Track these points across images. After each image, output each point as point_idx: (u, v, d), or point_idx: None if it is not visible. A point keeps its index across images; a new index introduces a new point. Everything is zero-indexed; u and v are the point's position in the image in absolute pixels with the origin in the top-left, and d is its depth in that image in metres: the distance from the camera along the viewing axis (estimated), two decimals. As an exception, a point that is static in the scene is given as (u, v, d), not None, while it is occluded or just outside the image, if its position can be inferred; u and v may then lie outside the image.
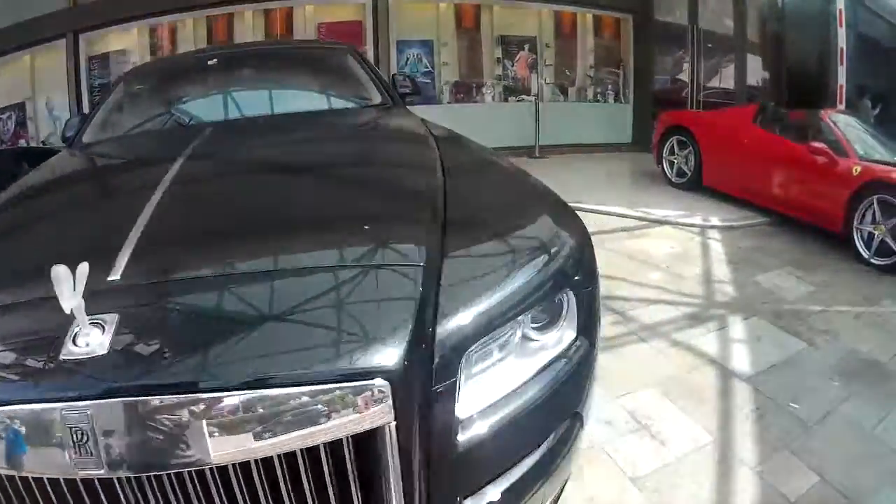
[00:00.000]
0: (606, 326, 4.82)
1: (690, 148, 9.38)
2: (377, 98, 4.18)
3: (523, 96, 12.19)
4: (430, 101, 11.20)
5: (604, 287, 5.38)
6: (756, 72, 12.30)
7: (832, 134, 7.88)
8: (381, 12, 10.48)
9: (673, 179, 9.85)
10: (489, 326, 1.65)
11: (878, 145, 8.02)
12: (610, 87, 13.13)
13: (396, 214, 2.14)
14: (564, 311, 1.93)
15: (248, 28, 11.43)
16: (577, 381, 1.93)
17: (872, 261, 7.07)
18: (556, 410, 1.88)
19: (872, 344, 5.19)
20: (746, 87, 12.01)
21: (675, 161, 9.74)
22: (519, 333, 1.81)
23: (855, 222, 7.27)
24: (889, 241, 6.92)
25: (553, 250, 1.97)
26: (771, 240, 7.69)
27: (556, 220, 2.25)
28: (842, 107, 10.06)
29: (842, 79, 10.11)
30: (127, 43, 11.24)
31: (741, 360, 4.83)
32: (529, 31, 12.41)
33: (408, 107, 4.33)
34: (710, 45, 12.65)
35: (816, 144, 7.74)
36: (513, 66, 12.35)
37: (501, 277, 1.76)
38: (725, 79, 12.49)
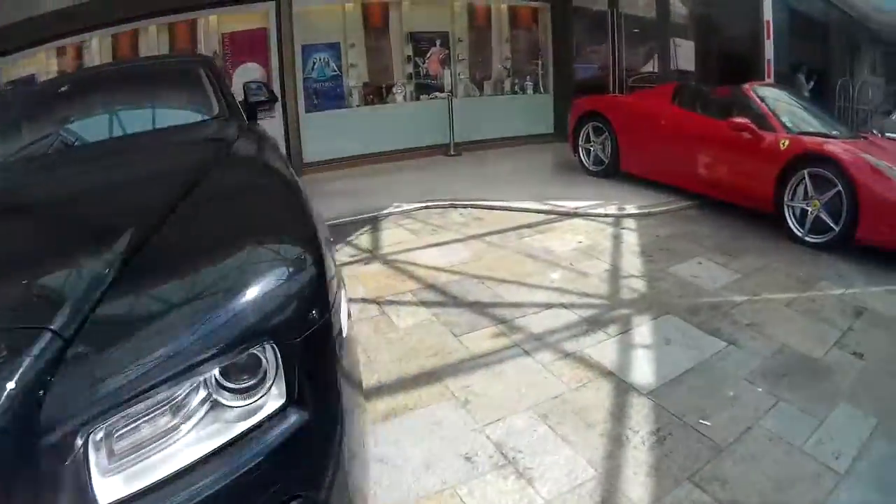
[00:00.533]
0: (485, 340, 4.22)
1: (606, 134, 8.68)
2: (215, 112, 3.90)
3: (436, 94, 11.30)
4: (340, 106, 10.60)
5: (492, 293, 4.88)
6: (686, 54, 11.46)
7: (757, 108, 7.09)
8: (285, 17, 9.58)
9: (590, 168, 9.10)
10: (123, 398, 1.38)
11: (810, 118, 7.28)
12: (529, 78, 12.24)
13: (61, 263, 1.86)
14: (265, 370, 1.56)
15: (154, 43, 10.47)
16: (290, 460, 1.57)
17: (807, 239, 6.27)
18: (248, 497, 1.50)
19: (805, 336, 4.38)
20: (676, 70, 11.45)
21: (592, 148, 9.01)
22: (198, 398, 1.50)
23: (786, 199, 6.47)
24: (824, 216, 6.10)
25: (241, 293, 1.58)
26: (694, 225, 6.94)
27: (266, 255, 1.84)
28: (770, 81, 8.96)
29: (769, 53, 9.12)
30: (37, 66, 10.13)
31: (644, 370, 3.94)
32: (441, 26, 11.54)
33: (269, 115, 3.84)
34: (635, 30, 11.78)
35: (738, 120, 6.93)
36: (424, 63, 11.42)
37: (152, 332, 1.48)
38: (655, 63, 11.66)
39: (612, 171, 8.67)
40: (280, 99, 9.12)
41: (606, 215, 7.07)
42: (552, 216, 7.06)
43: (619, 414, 3.45)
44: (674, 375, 3.81)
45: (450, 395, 3.50)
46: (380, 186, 8.54)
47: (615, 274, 5.44)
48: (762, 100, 7.10)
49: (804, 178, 6.19)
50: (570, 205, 7.30)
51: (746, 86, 7.42)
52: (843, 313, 4.76)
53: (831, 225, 6.01)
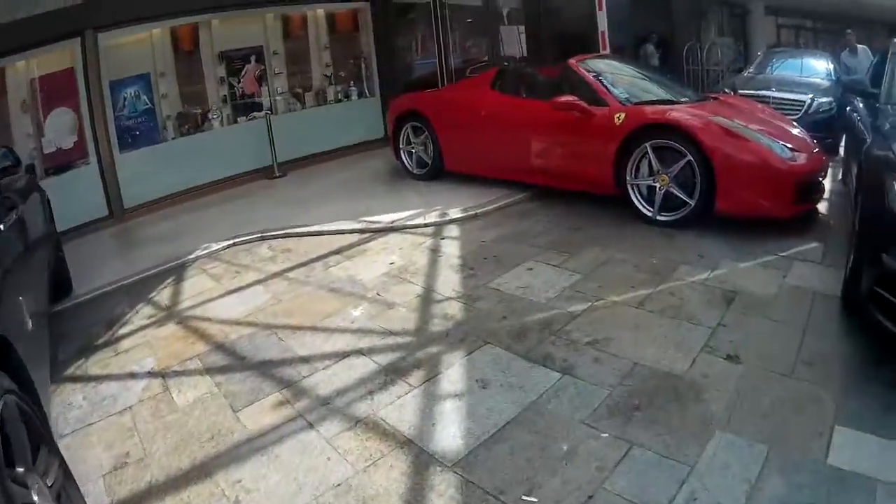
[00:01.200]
0: (266, 413, 3.30)
1: (426, 133, 7.67)
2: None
3: (254, 114, 10.04)
4: (156, 141, 9.19)
5: (283, 347, 4.01)
6: (519, 38, 10.67)
7: (586, 83, 6.22)
8: (91, 53, 8.26)
9: (415, 172, 8.03)
10: None
11: (653, 86, 6.53)
12: (353, 83, 11.13)
13: None
14: None
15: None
16: None
17: (659, 218, 5.45)
18: None
19: (664, 345, 3.52)
20: (510, 56, 10.69)
21: (414, 150, 7.99)
22: None
23: (628, 178, 5.63)
24: (675, 190, 5.33)
25: None
26: (527, 221, 6.02)
27: None
28: (605, 52, 8.02)
29: (603, 24, 8.16)
30: None
31: (451, 431, 2.97)
32: (255, 41, 10.23)
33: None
34: (465, 19, 10.83)
35: (563, 98, 6.04)
36: (240, 82, 10.13)
37: None
38: (490, 51, 10.73)
39: (438, 173, 7.73)
40: (93, 141, 8.08)
41: (426, 225, 6.07)
42: (367, 235, 6.02)
43: (415, 502, 2.49)
44: (490, 433, 2.87)
45: (220, 495, 2.70)
46: (197, 224, 7.29)
47: (427, 299, 4.47)
48: (592, 73, 6.31)
49: (647, 152, 5.40)
50: (387, 218, 6.30)
51: (572, 60, 6.54)
52: (711, 304, 3.93)
53: (685, 199, 5.26)
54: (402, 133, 7.96)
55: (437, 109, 7.52)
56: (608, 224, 5.61)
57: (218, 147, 9.41)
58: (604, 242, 5.17)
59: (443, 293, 4.50)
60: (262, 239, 6.26)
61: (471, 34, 11.02)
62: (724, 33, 16.71)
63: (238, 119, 9.93)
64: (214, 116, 9.69)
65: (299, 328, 4.21)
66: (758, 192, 4.94)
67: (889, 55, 5.16)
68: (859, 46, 9.62)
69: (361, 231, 6.08)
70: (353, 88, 10.81)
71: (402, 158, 8.10)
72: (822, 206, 5.54)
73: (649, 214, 5.47)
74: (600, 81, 6.08)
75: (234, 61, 9.98)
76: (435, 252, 5.37)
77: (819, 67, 9.97)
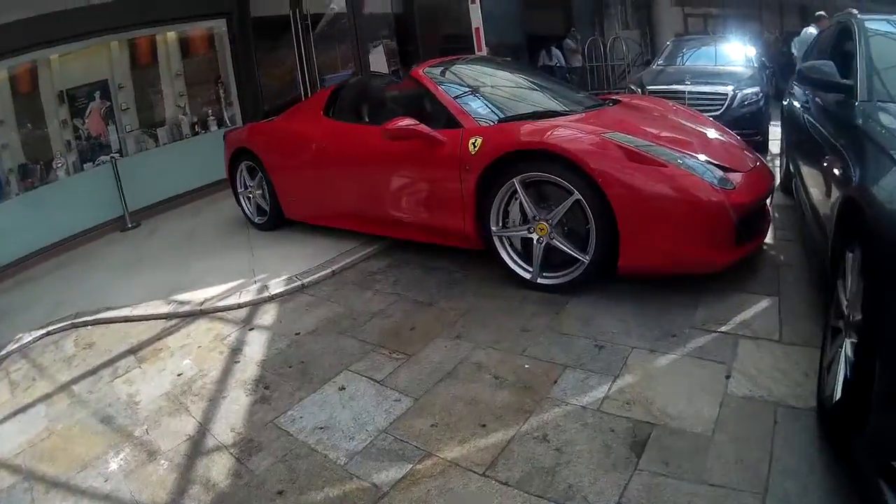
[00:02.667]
0: None
1: (261, 174, 5.66)
2: None
3: (102, 157, 8.00)
4: None
5: None
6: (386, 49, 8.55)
7: (433, 98, 4.30)
8: None
9: (256, 221, 6.02)
10: None
11: (535, 94, 4.73)
12: (211, 112, 9.07)
13: None
14: None
15: None
16: None
17: (542, 281, 3.66)
18: None
19: None
20: (381, 70, 8.36)
21: (252, 195, 5.98)
22: None
23: (494, 227, 3.83)
24: (560, 243, 3.55)
25: None
26: (366, 294, 4.15)
27: None
28: (482, 52, 6.15)
29: (477, 20, 6.35)
30: None
31: None
32: (99, 75, 8.17)
33: None
34: (332, 32, 9.13)
35: (396, 124, 4.05)
36: (85, 123, 8.07)
37: None
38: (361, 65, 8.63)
39: (276, 222, 5.73)
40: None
41: (240, 306, 4.20)
42: (174, 321, 4.21)
43: None
44: None
45: None
46: (22, 302, 5.40)
47: (196, 448, 2.76)
48: (444, 84, 4.39)
49: (516, 190, 3.59)
50: (203, 295, 4.44)
51: (416, 68, 4.60)
52: (608, 457, 2.24)
53: (575, 255, 3.47)
54: (238, 174, 5.97)
55: (268, 145, 5.53)
56: (473, 292, 3.80)
57: (65, 200, 7.50)
58: (459, 328, 3.37)
59: (218, 436, 2.79)
60: (74, 326, 4.43)
61: (338, 48, 9.08)
62: (628, 26, 15.25)
63: (84, 165, 7.96)
64: (59, 165, 7.73)
65: (55, 483, 2.69)
66: (680, 238, 3.22)
67: (856, 32, 3.38)
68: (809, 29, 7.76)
69: (169, 316, 4.26)
70: (212, 118, 8.81)
71: (241, 205, 6.10)
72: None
73: (527, 276, 3.66)
74: (453, 94, 4.25)
75: (77, 100, 8.01)
76: (235, 354, 3.56)
77: (737, 54, 8.29)
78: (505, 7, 11.06)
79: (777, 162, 6.02)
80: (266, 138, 5.55)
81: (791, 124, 4.48)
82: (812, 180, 3.17)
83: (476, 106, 4.13)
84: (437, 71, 4.52)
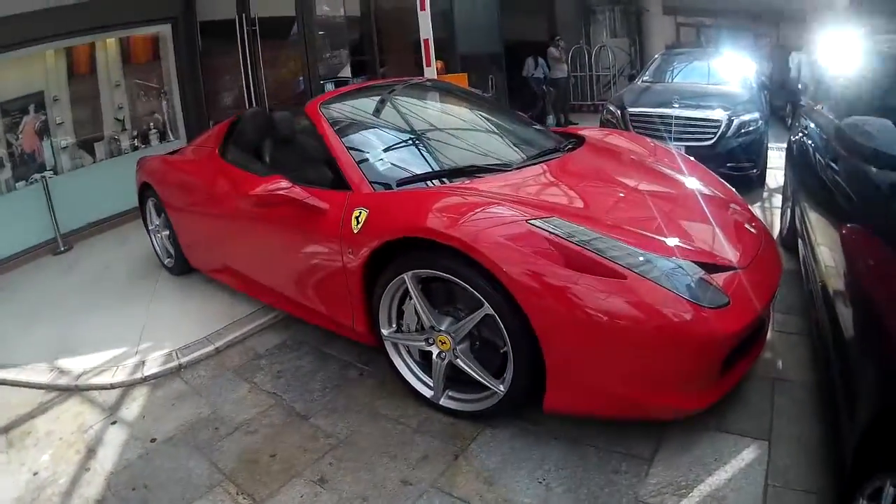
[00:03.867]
0: None
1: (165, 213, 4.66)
2: None
3: (35, 176, 6.97)
4: None
5: None
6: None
7: (323, 144, 3.14)
8: None
9: (165, 263, 4.98)
10: None
11: (473, 134, 3.63)
12: (152, 125, 8.01)
13: None
14: None
15: None
16: None
17: (445, 404, 2.62)
18: None
19: None
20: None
21: (160, 234, 4.92)
22: None
23: (385, 330, 2.79)
24: (467, 366, 2.50)
25: None
26: (241, 388, 3.17)
27: None
28: (430, 68, 5.07)
29: (426, 30, 5.39)
30: None
31: None
32: (34, 87, 7.12)
33: None
34: (286, 39, 7.88)
35: (260, 189, 2.99)
36: (18, 139, 6.97)
37: None
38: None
39: (184, 267, 4.66)
40: None
41: (112, 386, 3.34)
42: (51, 395, 3.37)
43: None
44: None
45: None
46: None
47: None
48: (340, 127, 3.25)
49: (407, 289, 2.58)
50: (85, 363, 3.57)
51: (312, 102, 3.45)
52: None
53: (486, 383, 2.46)
54: (147, 209, 4.97)
55: (165, 183, 4.52)
56: (361, 405, 2.81)
57: None
58: (326, 466, 2.42)
59: None
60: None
61: (290, 56, 7.92)
62: (616, 34, 14.04)
63: (17, 184, 6.90)
64: None
65: None
66: (635, 378, 2.16)
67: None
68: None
69: (47, 388, 3.44)
70: (154, 131, 7.80)
71: (152, 243, 5.10)
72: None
73: (428, 395, 2.66)
74: (351, 142, 3.13)
75: (11, 113, 6.99)
76: (89, 457, 2.73)
77: (733, 71, 7.07)
78: (481, 14, 9.88)
79: (775, 201, 4.92)
80: (164, 175, 4.55)
81: (804, 171, 3.46)
82: (836, 279, 2.17)
83: (377, 159, 3.05)
84: (339, 106, 3.47)
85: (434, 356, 2.55)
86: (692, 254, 2.33)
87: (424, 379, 2.66)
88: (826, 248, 2.41)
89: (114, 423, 2.97)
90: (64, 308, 4.59)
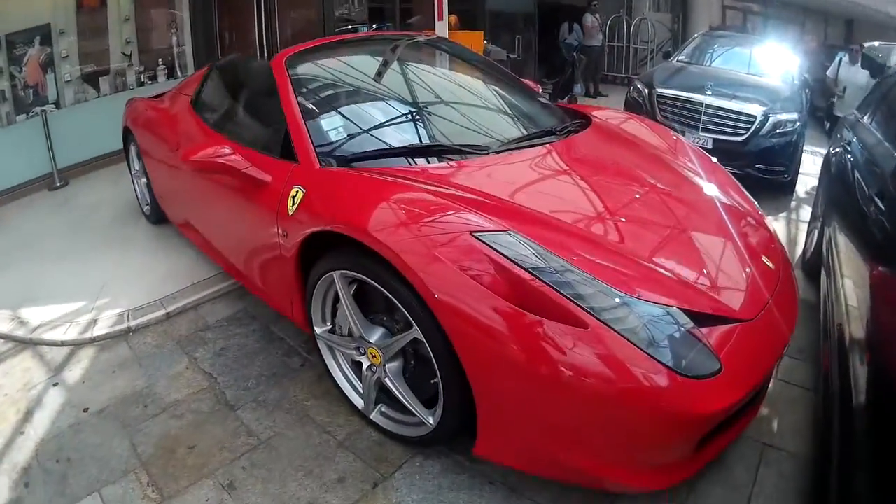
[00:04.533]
0: None
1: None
2: None
3: (38, 108, 6.69)
4: None
5: None
6: None
7: (280, 104, 2.73)
8: None
9: (143, 210, 4.72)
10: None
11: (461, 108, 3.05)
12: (161, 62, 7.67)
13: None
14: None
15: None
16: None
17: (375, 420, 2.29)
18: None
19: None
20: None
21: (141, 180, 4.61)
22: None
23: (317, 327, 2.44)
24: (395, 386, 2.16)
25: None
26: (184, 359, 2.94)
27: None
28: (442, 22, 4.78)
29: None
30: None
31: None
32: (40, 19, 6.82)
33: None
34: None
35: (197, 154, 2.61)
36: (22, 71, 6.73)
37: None
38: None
39: (160, 216, 4.37)
40: None
41: (63, 343, 3.16)
42: (8, 346, 3.24)
43: None
44: None
45: None
46: None
47: None
48: (304, 86, 2.89)
49: (336, 287, 2.26)
50: (44, 314, 3.41)
51: (280, 55, 3.04)
52: None
53: (415, 411, 2.13)
54: (129, 153, 4.70)
55: (143, 129, 4.21)
56: (291, 403, 2.53)
57: None
58: (238, 471, 2.18)
59: None
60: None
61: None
62: (659, 9, 13.32)
63: (18, 116, 6.71)
64: None
65: None
66: (587, 447, 1.77)
67: None
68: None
69: (4, 337, 3.30)
70: (162, 69, 7.52)
71: (134, 187, 4.85)
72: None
73: (359, 406, 2.35)
74: (312, 104, 2.75)
75: (15, 46, 6.76)
76: (26, 419, 2.60)
77: (776, 63, 6.46)
78: None
79: (802, 213, 4.48)
80: (142, 120, 4.25)
81: (841, 192, 3.03)
82: (858, 327, 1.81)
83: (334, 129, 2.62)
84: (311, 63, 3.11)
85: (364, 368, 2.25)
86: (688, 294, 1.86)
87: (358, 387, 2.36)
88: (853, 287, 2.04)
89: (56, 384, 2.83)
90: (40, 252, 4.44)
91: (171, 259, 3.94)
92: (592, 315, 1.66)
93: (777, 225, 4.68)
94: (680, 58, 7.00)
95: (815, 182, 5.16)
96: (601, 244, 1.98)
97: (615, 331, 1.65)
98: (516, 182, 2.31)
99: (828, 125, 7.47)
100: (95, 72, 7.18)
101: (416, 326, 1.91)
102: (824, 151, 4.44)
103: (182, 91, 3.97)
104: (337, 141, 2.55)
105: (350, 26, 8.08)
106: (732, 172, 3.14)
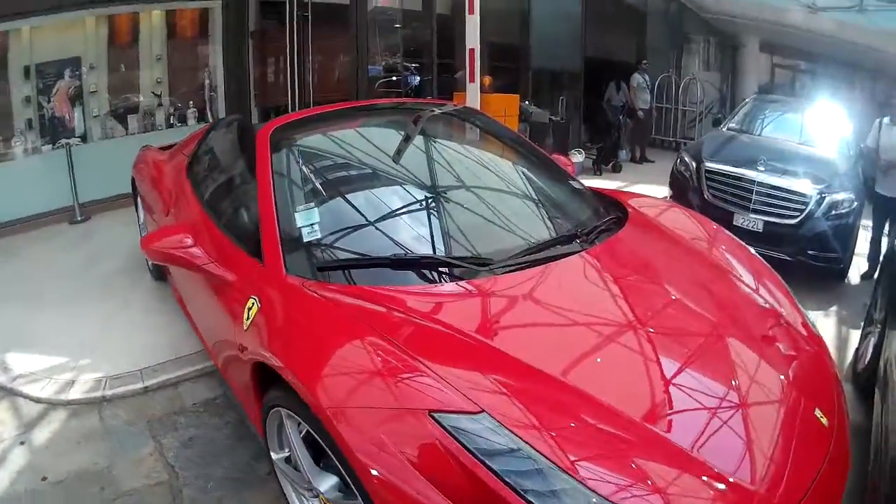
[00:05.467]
0: None
1: None
2: None
3: (64, 140, 6.78)
4: None
5: None
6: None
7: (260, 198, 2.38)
8: None
9: (147, 265, 4.50)
10: None
11: (477, 207, 2.52)
12: (192, 103, 7.61)
13: None
14: None
15: None
16: None
17: None
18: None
19: None
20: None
21: (145, 233, 4.50)
22: None
23: (273, 453, 2.08)
24: None
25: None
26: (147, 447, 2.68)
27: None
28: (474, 84, 4.58)
29: (473, 39, 4.93)
30: None
31: None
32: (72, 51, 6.96)
33: None
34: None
35: (159, 246, 2.34)
36: (50, 102, 6.87)
37: None
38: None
39: (159, 274, 4.28)
40: None
41: (38, 400, 3.09)
42: None
43: None
44: None
45: None
46: None
47: None
48: (292, 167, 2.51)
49: (281, 419, 1.96)
50: (28, 364, 3.36)
51: (266, 125, 2.70)
52: None
53: None
54: (137, 202, 4.61)
55: (145, 183, 4.07)
56: None
57: (18, 180, 6.53)
58: None
59: None
60: None
61: (341, 48, 7.40)
62: (709, 68, 13.02)
63: (44, 147, 6.82)
64: (17, 143, 6.67)
65: None
66: None
67: None
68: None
69: None
70: (192, 109, 7.51)
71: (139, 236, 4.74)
72: None
73: None
74: (286, 194, 2.32)
75: (45, 76, 6.90)
76: None
77: (830, 130, 5.97)
78: (562, 23, 9.02)
79: (854, 304, 4.06)
80: (145, 173, 4.13)
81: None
82: None
83: (312, 224, 2.18)
84: (303, 137, 2.78)
85: None
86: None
87: None
88: None
89: (22, 442, 2.74)
90: (41, 290, 4.43)
91: (163, 324, 3.73)
92: None
93: (821, 322, 4.15)
94: (731, 125, 6.55)
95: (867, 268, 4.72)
96: (581, 429, 1.53)
97: None
98: (524, 322, 1.90)
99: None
100: (125, 109, 7.25)
101: (359, 498, 1.58)
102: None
103: (182, 149, 3.78)
104: (310, 242, 2.15)
105: (394, 76, 7.97)
106: (782, 260, 2.77)
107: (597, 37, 9.96)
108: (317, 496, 1.88)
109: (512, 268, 2.06)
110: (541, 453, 1.39)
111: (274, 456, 2.05)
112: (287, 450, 2.01)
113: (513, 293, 1.97)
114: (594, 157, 9.09)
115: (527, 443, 1.40)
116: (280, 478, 2.08)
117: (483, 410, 1.46)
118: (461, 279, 1.99)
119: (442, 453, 1.40)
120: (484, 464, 1.36)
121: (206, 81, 7.60)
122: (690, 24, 12.69)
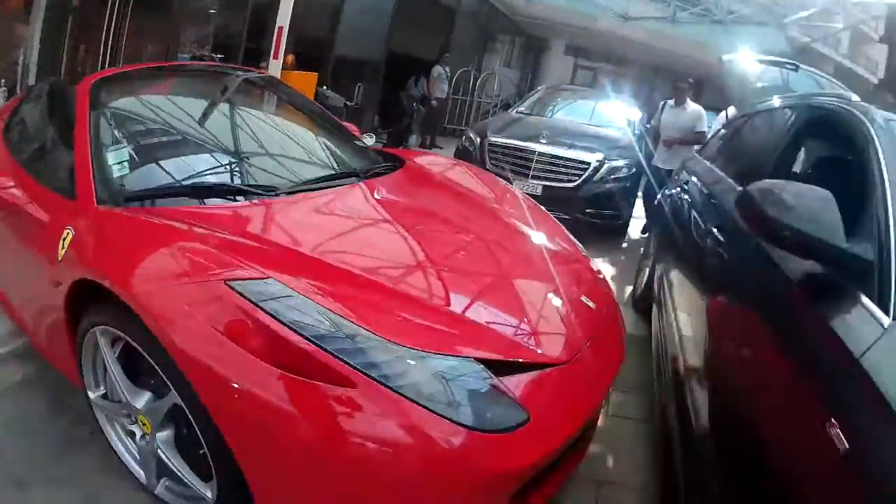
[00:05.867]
0: None
1: None
2: None
3: None
4: None
5: None
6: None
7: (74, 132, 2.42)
8: None
9: None
10: None
11: (263, 145, 2.87)
12: (3, 82, 6.83)
13: None
14: None
15: None
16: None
17: (161, 494, 1.90)
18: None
19: None
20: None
21: None
22: None
23: (90, 391, 2.08)
24: (167, 458, 1.87)
25: None
26: None
27: None
28: (277, 61, 4.76)
29: (283, 17, 4.91)
30: None
31: None
32: None
33: None
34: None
35: None
36: None
37: None
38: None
39: None
40: None
41: None
42: None
43: None
44: None
45: None
46: None
47: None
48: (105, 116, 2.58)
49: (97, 340, 1.96)
50: None
51: (88, 78, 2.77)
52: None
53: (190, 484, 1.84)
54: None
55: None
56: (73, 485, 2.11)
57: None
58: None
59: None
60: None
61: (157, 28, 7.26)
62: (511, 66, 14.02)
63: None
64: None
65: None
66: None
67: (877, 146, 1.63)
68: (692, 105, 5.83)
69: None
70: (3, 89, 6.77)
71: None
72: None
73: (142, 479, 2.01)
74: (106, 135, 2.46)
75: None
76: None
77: (618, 116, 6.87)
78: (371, 18, 9.59)
79: (632, 255, 4.67)
80: None
81: (676, 230, 3.14)
82: (693, 357, 1.94)
83: (122, 161, 2.37)
84: (121, 89, 2.89)
85: (137, 438, 2.02)
86: (495, 343, 1.75)
87: (137, 460, 2.07)
88: (687, 318, 2.13)
89: None
90: None
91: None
92: (362, 372, 1.48)
93: (606, 267, 4.92)
94: (520, 109, 7.20)
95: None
96: (394, 289, 1.86)
97: (390, 388, 1.48)
98: (304, 227, 2.21)
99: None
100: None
101: (172, 389, 1.69)
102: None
103: (2, 113, 3.53)
104: (120, 176, 2.31)
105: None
106: (562, 219, 3.22)
107: (407, 33, 10.57)
108: (135, 421, 1.96)
109: (296, 191, 2.41)
110: (329, 310, 1.60)
111: (91, 395, 2.09)
112: (103, 387, 2.08)
113: (298, 208, 2.31)
114: (384, 141, 9.62)
115: (309, 299, 1.62)
116: (99, 416, 2.12)
117: (268, 276, 1.67)
118: (253, 201, 2.26)
119: (238, 314, 1.56)
120: (274, 315, 1.54)
121: (21, 57, 6.95)
122: (499, 26, 13.56)
